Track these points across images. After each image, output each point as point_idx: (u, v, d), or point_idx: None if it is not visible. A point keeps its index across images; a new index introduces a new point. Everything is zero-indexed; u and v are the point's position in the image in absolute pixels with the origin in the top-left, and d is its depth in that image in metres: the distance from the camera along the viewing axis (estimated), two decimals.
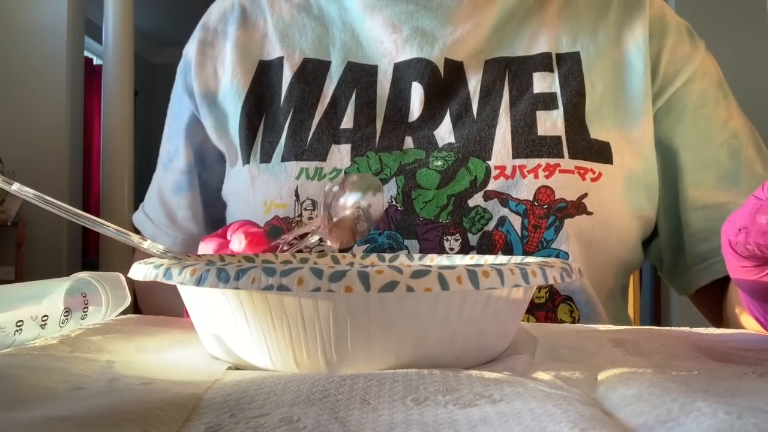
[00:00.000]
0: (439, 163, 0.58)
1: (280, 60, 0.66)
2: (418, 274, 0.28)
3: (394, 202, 0.58)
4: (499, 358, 0.34)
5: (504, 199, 0.57)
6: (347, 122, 0.62)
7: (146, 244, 0.36)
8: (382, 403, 0.24)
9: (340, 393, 0.26)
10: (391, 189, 0.58)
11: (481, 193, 0.57)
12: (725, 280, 0.60)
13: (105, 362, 0.32)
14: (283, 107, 0.64)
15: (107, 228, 0.35)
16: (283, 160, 0.61)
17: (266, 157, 0.62)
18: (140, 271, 0.33)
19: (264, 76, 0.67)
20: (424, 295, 0.29)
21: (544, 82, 0.61)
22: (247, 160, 0.63)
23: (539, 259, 0.38)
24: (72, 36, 2.98)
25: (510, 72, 0.62)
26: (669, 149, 0.63)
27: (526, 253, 0.56)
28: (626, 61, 0.62)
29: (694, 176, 0.62)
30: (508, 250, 0.56)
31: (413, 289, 0.27)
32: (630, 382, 0.27)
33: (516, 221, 0.57)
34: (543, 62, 0.62)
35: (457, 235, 0.57)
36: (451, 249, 0.57)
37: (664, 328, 0.45)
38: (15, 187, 0.34)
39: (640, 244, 0.64)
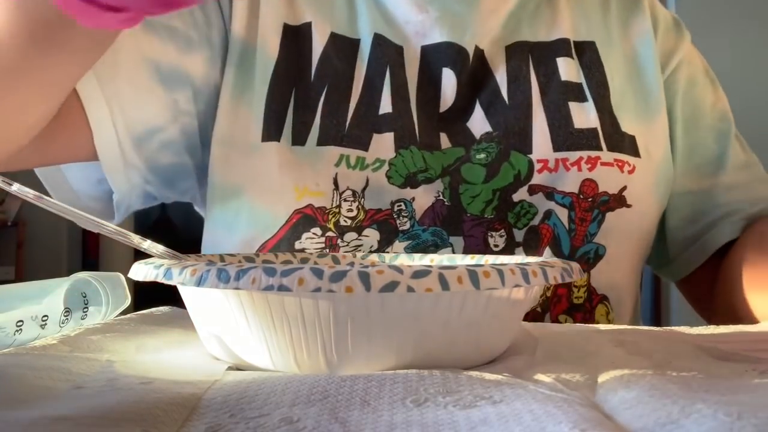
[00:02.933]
0: (482, 155, 0.57)
1: (308, 26, 0.60)
2: (419, 274, 0.28)
3: (441, 197, 0.56)
4: (499, 359, 0.34)
5: (549, 192, 0.56)
6: (385, 106, 0.58)
7: (146, 244, 0.36)
8: (382, 403, 0.24)
9: (340, 394, 0.26)
10: (437, 186, 0.56)
11: (525, 188, 0.56)
12: (716, 265, 0.61)
13: (105, 362, 0.32)
14: (315, 83, 0.58)
15: (107, 228, 0.35)
16: (319, 144, 0.56)
17: (300, 139, 0.56)
18: (140, 271, 0.33)
19: (293, 43, 0.59)
20: (424, 295, 0.29)
21: (569, 69, 0.61)
22: (273, 137, 0.56)
23: (540, 259, 0.38)
24: None
25: (533, 57, 0.62)
26: None
27: (573, 247, 0.56)
28: (636, 54, 0.63)
29: (683, 162, 0.63)
30: (556, 245, 0.56)
31: (414, 290, 0.27)
32: (630, 384, 0.27)
33: (563, 214, 0.56)
34: (564, 47, 0.62)
35: (502, 230, 0.55)
36: (496, 246, 0.55)
37: (664, 328, 0.45)
38: (15, 187, 0.34)
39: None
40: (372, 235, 0.55)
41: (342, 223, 0.55)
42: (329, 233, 0.54)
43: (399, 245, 0.55)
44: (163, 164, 0.58)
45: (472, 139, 0.58)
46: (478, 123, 0.59)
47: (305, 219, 0.55)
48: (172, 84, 0.55)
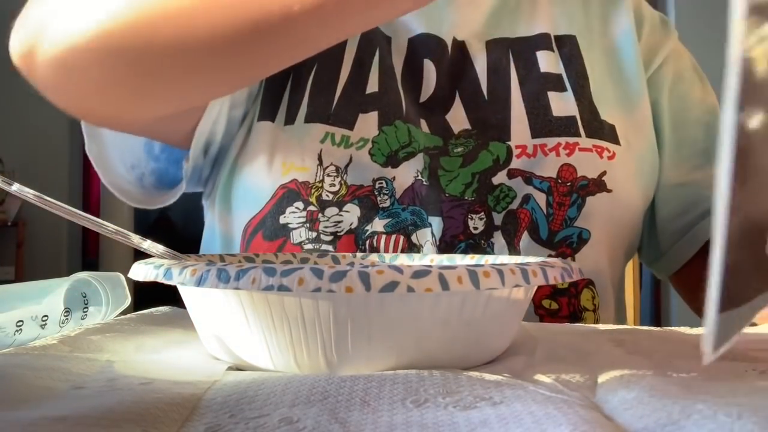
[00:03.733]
0: (459, 149, 0.58)
1: None
2: (419, 274, 0.28)
3: (419, 176, 0.56)
4: (499, 359, 0.34)
5: (528, 177, 0.57)
6: (372, 85, 0.59)
7: (146, 244, 0.36)
8: (381, 404, 0.24)
9: (340, 394, 0.25)
10: (417, 163, 0.57)
11: (504, 171, 0.57)
12: (706, 258, 0.61)
13: (105, 362, 0.32)
14: (307, 63, 0.60)
15: (107, 228, 0.35)
16: (307, 121, 0.58)
17: (290, 119, 0.58)
18: (140, 271, 0.33)
19: None
20: (424, 295, 0.29)
21: (548, 61, 0.62)
22: (268, 117, 0.59)
23: (540, 259, 0.38)
24: None
25: (513, 52, 0.62)
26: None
27: (551, 232, 0.56)
28: (617, 48, 0.64)
29: (671, 155, 0.64)
30: (534, 229, 0.56)
31: (414, 290, 0.27)
32: (630, 384, 0.27)
33: (541, 199, 0.56)
34: (544, 42, 0.63)
35: (482, 213, 0.56)
36: (475, 228, 0.56)
37: (664, 328, 0.45)
38: (15, 187, 0.34)
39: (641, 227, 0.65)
40: (352, 211, 0.56)
41: (324, 197, 0.56)
42: (311, 207, 0.56)
43: (378, 222, 0.55)
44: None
45: (450, 133, 0.59)
46: (458, 118, 0.60)
47: (289, 193, 0.56)
48: None
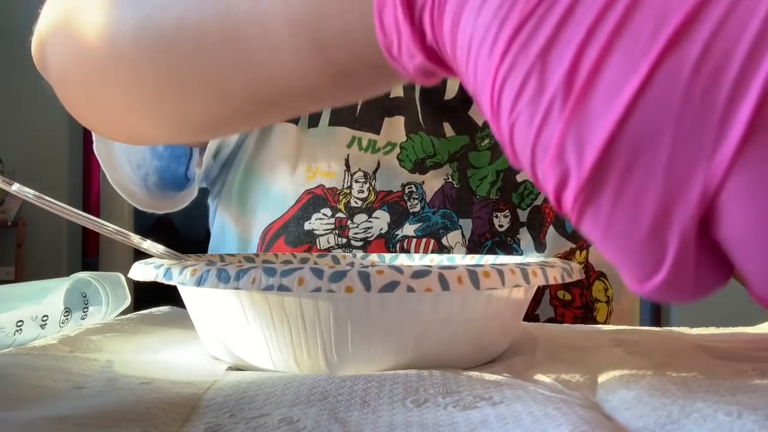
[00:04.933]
0: (486, 141, 0.57)
1: None
2: (419, 274, 0.28)
3: (450, 179, 0.56)
4: (499, 359, 0.34)
5: None
6: (397, 90, 0.58)
7: (146, 244, 0.36)
8: (381, 404, 0.24)
9: (340, 394, 0.26)
10: (446, 170, 0.56)
11: None
12: None
13: (105, 362, 0.32)
14: None
15: (107, 228, 0.35)
16: (331, 124, 0.57)
17: (314, 121, 0.57)
18: (140, 271, 0.33)
19: None
20: (424, 295, 0.29)
21: None
22: (291, 120, 0.58)
23: (540, 259, 0.38)
24: None
25: None
26: None
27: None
28: None
29: None
30: (560, 223, 0.56)
31: (414, 290, 0.27)
32: (630, 384, 0.27)
33: None
34: None
35: (507, 211, 0.55)
36: (501, 226, 0.55)
37: (664, 328, 0.45)
38: (15, 187, 0.34)
39: None
40: (382, 217, 0.55)
41: (353, 204, 0.55)
42: (339, 214, 0.55)
43: (409, 227, 0.55)
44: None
45: (476, 128, 0.58)
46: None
47: (315, 199, 0.55)
48: None
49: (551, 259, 0.36)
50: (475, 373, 0.29)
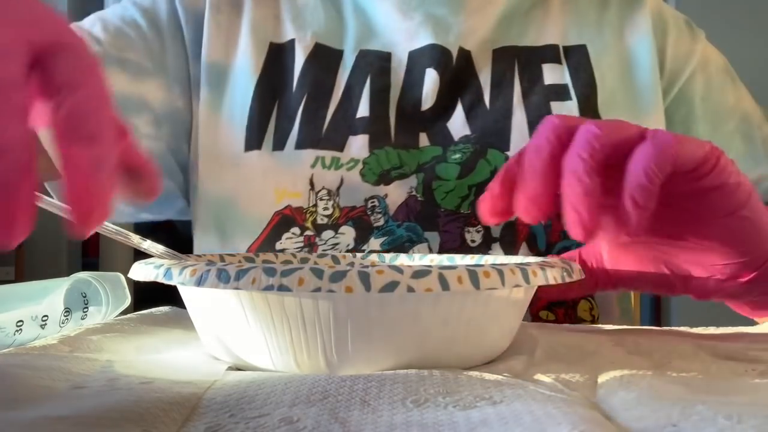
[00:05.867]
0: (458, 155, 0.57)
1: (292, 43, 0.63)
2: (419, 274, 0.28)
3: (414, 192, 0.56)
4: (499, 358, 0.34)
5: None
6: (363, 110, 0.59)
7: (146, 244, 0.36)
8: (382, 404, 0.24)
9: (340, 394, 0.25)
10: (411, 181, 0.57)
11: None
12: None
13: (105, 362, 0.32)
14: (296, 94, 0.61)
15: (107, 228, 0.35)
16: (297, 147, 0.58)
17: (279, 145, 0.59)
18: (140, 271, 0.33)
19: (276, 59, 0.63)
20: (424, 295, 0.29)
21: (554, 74, 0.61)
22: (255, 146, 0.59)
23: (540, 259, 0.38)
24: None
25: (519, 62, 0.62)
26: None
27: (549, 243, 0.56)
28: (632, 55, 0.63)
29: None
30: (533, 240, 0.56)
31: (414, 290, 0.27)
32: (630, 385, 0.27)
33: None
34: (551, 54, 0.62)
35: (479, 226, 0.55)
36: (473, 242, 0.55)
37: (664, 328, 0.45)
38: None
39: None
40: (348, 233, 0.56)
41: (319, 221, 0.56)
42: (308, 232, 0.56)
43: (375, 242, 0.55)
44: None
45: (450, 140, 0.59)
46: (458, 125, 0.59)
47: (284, 219, 0.57)
48: (127, 111, 0.59)
49: (551, 259, 0.36)
50: (475, 373, 0.29)
